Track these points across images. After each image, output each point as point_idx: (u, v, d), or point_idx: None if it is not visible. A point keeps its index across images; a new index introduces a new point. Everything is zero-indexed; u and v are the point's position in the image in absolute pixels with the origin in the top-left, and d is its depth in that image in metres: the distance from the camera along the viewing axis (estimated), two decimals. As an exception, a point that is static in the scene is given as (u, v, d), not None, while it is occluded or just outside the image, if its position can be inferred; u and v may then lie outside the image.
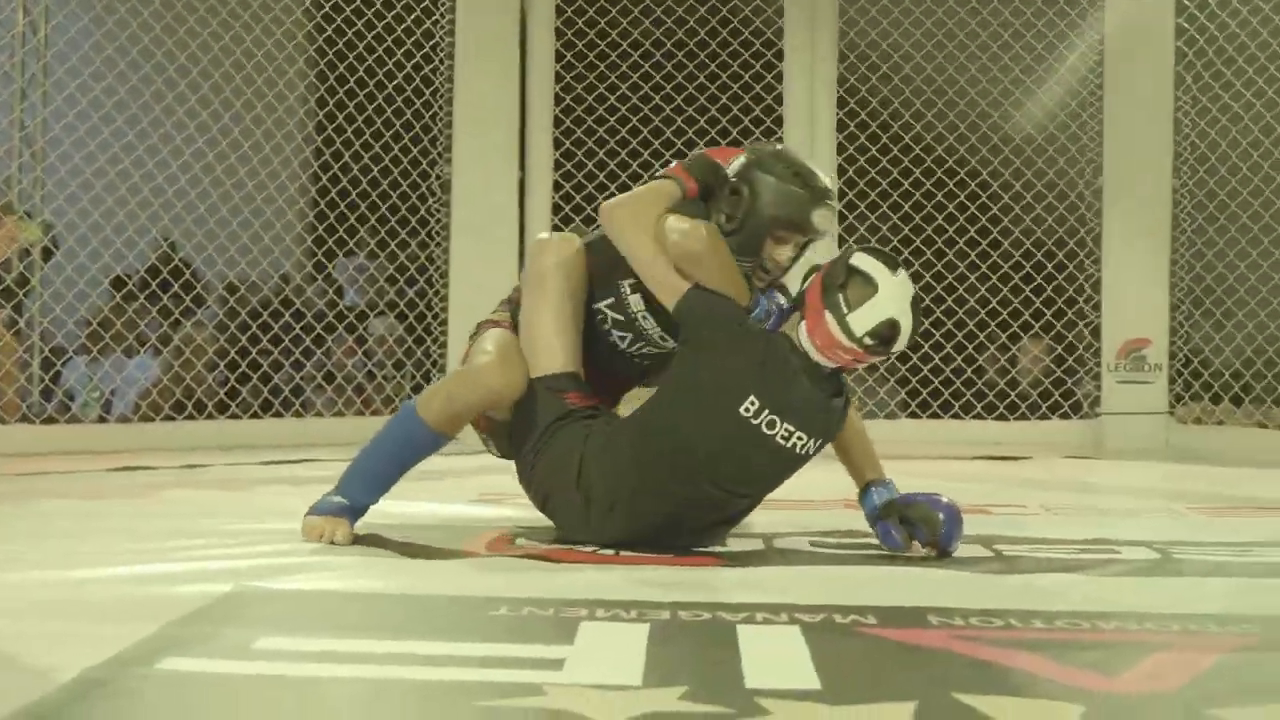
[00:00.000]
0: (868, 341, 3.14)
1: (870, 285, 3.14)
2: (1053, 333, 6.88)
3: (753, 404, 3.16)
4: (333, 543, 3.30)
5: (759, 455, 3.19)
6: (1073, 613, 2.62)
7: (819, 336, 3.16)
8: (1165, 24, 6.62)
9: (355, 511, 3.40)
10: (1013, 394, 6.76)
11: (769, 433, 3.16)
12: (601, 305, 3.53)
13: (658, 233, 3.31)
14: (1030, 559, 3.24)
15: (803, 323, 3.19)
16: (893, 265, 3.18)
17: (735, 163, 3.41)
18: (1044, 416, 6.65)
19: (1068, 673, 2.17)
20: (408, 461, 3.47)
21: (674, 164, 3.53)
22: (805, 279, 3.27)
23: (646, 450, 3.22)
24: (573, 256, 3.49)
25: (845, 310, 3.13)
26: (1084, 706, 1.96)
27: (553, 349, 3.41)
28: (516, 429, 3.46)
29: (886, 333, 3.14)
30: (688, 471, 3.20)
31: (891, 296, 3.14)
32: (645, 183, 3.49)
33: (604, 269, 3.48)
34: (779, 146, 3.48)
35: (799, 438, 3.18)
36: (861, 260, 3.17)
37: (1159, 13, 6.61)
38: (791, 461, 3.23)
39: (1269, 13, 6.45)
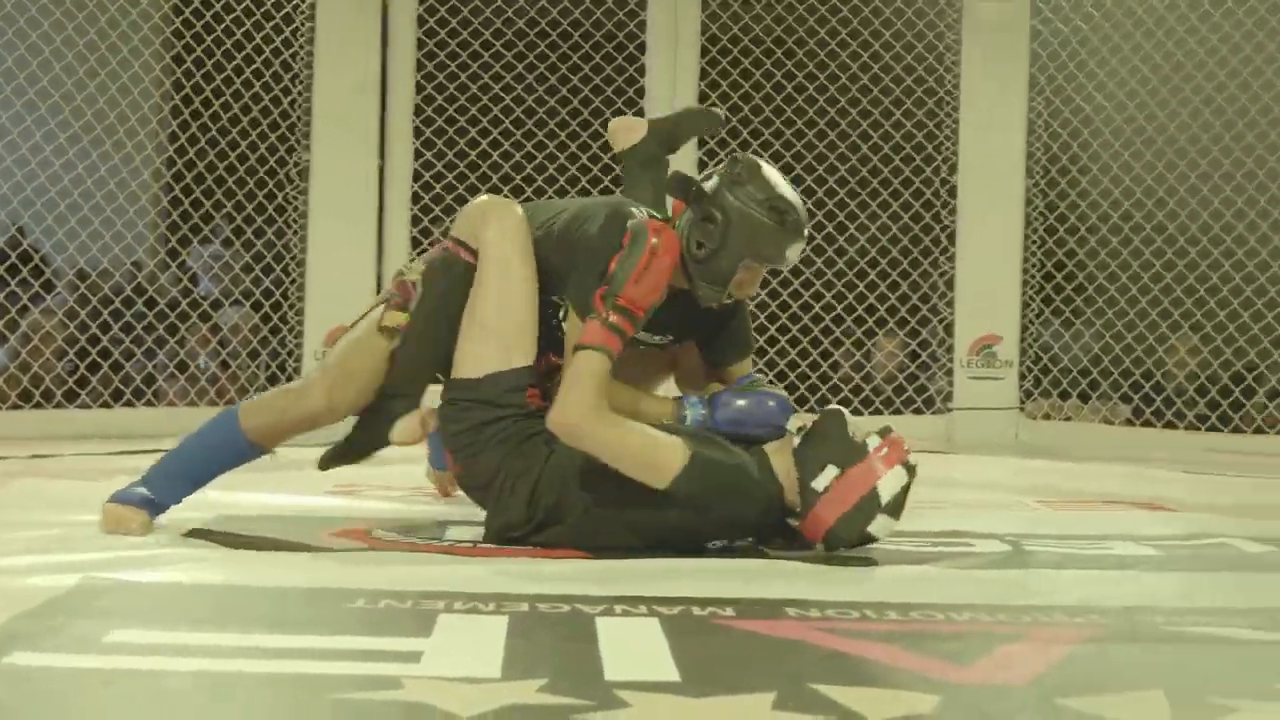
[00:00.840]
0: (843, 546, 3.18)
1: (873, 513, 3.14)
2: (907, 329, 6.97)
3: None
4: (126, 533, 3.22)
5: None
6: (927, 604, 2.66)
7: (827, 509, 3.12)
8: (1020, 26, 6.72)
9: (157, 507, 3.31)
10: (867, 389, 6.84)
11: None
12: (557, 298, 3.41)
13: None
14: (885, 551, 3.27)
15: (839, 471, 3.12)
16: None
17: (714, 179, 3.29)
18: (897, 411, 6.73)
19: (923, 663, 2.20)
20: (220, 468, 3.40)
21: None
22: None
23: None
24: (517, 225, 3.37)
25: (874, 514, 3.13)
26: (939, 696, 1.99)
27: (509, 342, 3.29)
28: (474, 419, 3.30)
29: (860, 542, 3.18)
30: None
31: (885, 529, 3.17)
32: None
33: (559, 267, 3.36)
34: (757, 164, 3.31)
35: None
36: (895, 483, 3.14)
37: (1015, 15, 6.71)
38: None
39: (1120, 17, 6.58)
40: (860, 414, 6.66)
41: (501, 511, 3.25)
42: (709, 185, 3.28)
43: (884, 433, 3.15)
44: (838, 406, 3.24)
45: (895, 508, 3.12)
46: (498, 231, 3.34)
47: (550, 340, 3.38)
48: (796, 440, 3.18)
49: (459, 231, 3.42)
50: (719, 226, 3.23)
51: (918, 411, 6.75)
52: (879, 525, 3.12)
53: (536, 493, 3.20)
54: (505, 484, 3.22)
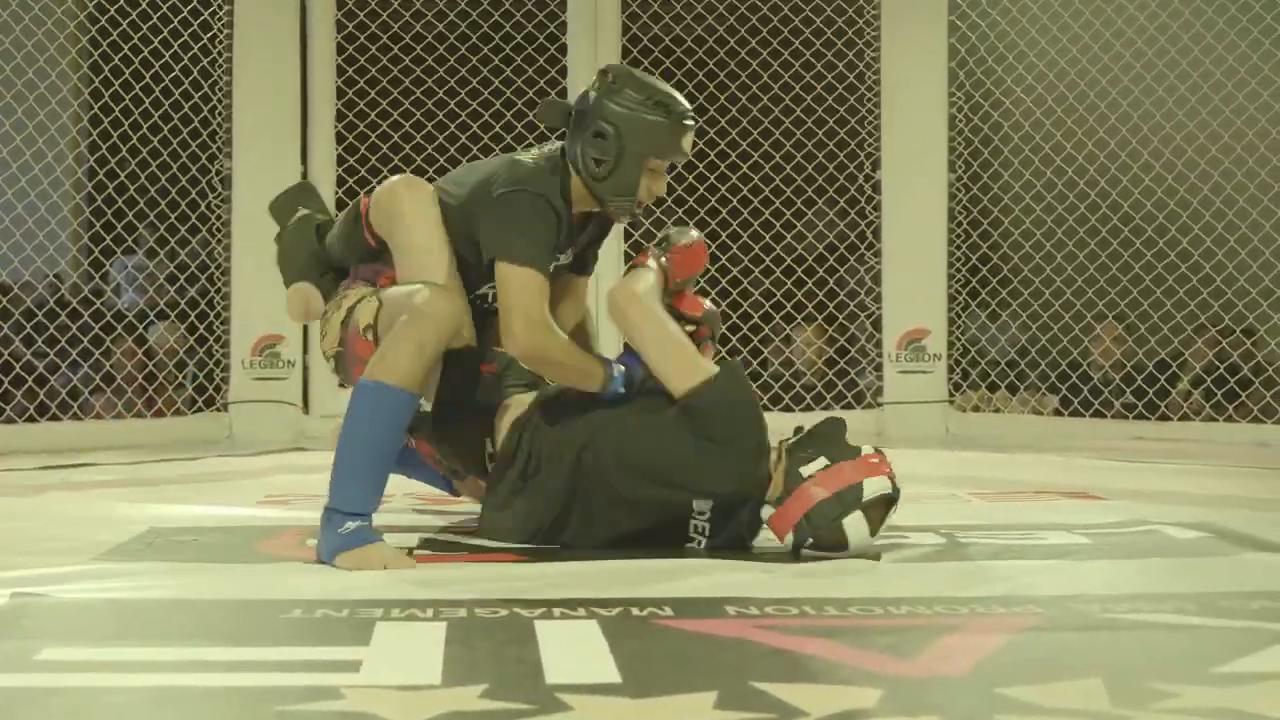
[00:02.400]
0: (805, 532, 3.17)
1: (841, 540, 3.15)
2: (835, 324, 7.00)
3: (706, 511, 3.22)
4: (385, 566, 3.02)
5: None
6: (865, 599, 2.67)
7: (773, 521, 3.15)
8: (939, 20, 6.76)
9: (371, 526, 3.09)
10: (798, 385, 6.86)
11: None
12: (484, 289, 3.39)
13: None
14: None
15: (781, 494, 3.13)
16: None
17: (590, 95, 3.29)
18: (827, 407, 6.75)
19: (863, 657, 2.20)
20: (397, 444, 3.18)
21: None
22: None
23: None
24: (430, 200, 3.37)
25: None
26: (881, 690, 1.99)
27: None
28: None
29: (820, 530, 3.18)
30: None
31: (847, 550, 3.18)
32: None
33: (476, 257, 3.33)
34: (628, 69, 3.34)
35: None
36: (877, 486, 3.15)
37: (932, 9, 6.76)
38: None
39: (1036, 11, 6.64)
40: (791, 410, 6.67)
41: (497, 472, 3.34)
42: (587, 102, 3.30)
43: (877, 451, 3.19)
44: (839, 416, 3.25)
45: (872, 516, 3.09)
46: (412, 205, 3.36)
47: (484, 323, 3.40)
48: (790, 440, 3.17)
49: (376, 221, 3.45)
50: (611, 138, 3.25)
51: (848, 406, 6.77)
52: (853, 524, 3.08)
53: (524, 438, 3.25)
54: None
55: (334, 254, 3.59)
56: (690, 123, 3.30)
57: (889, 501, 3.13)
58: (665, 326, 3.23)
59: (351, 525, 3.03)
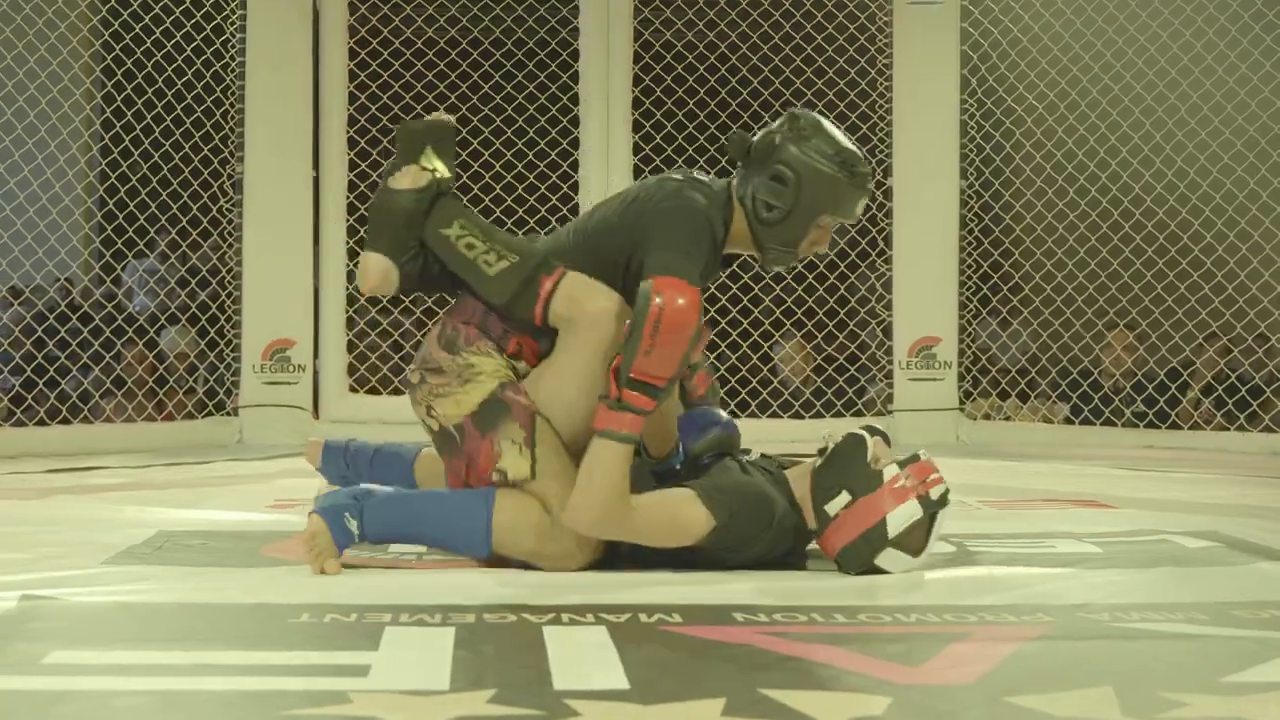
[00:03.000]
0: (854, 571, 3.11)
1: (921, 546, 3.09)
2: (846, 331, 6.99)
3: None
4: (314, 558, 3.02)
5: None
6: (874, 606, 2.66)
7: (837, 535, 3.06)
8: (950, 28, 6.76)
9: (352, 538, 3.06)
10: (807, 393, 6.86)
11: None
12: None
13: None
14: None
15: (851, 500, 3.05)
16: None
17: (776, 138, 3.16)
18: (838, 414, 6.74)
19: (872, 665, 2.20)
20: (439, 544, 3.17)
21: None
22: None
23: None
24: (623, 318, 3.08)
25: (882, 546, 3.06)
26: (890, 698, 1.99)
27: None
28: None
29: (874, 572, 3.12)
30: None
31: (912, 565, 3.11)
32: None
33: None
34: (819, 118, 3.21)
35: None
36: (938, 520, 3.09)
37: (945, 17, 6.75)
38: None
39: (1049, 18, 6.63)
40: (801, 418, 6.67)
41: None
42: (771, 143, 3.17)
43: (909, 461, 3.08)
44: (861, 432, 3.12)
45: (909, 544, 3.03)
46: (600, 331, 3.10)
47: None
48: (818, 462, 3.12)
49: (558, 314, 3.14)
50: (790, 186, 3.13)
51: (858, 414, 6.77)
52: (889, 559, 3.03)
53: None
54: None
55: (460, 274, 3.22)
56: (869, 185, 3.21)
57: (930, 518, 3.05)
58: (643, 519, 3.01)
59: (354, 528, 3.04)
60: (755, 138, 3.21)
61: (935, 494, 3.05)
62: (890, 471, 3.05)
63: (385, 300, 6.51)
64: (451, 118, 3.43)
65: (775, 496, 3.09)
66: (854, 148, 3.19)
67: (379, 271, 3.25)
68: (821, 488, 3.07)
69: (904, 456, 3.11)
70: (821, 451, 3.12)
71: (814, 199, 3.14)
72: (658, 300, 2.89)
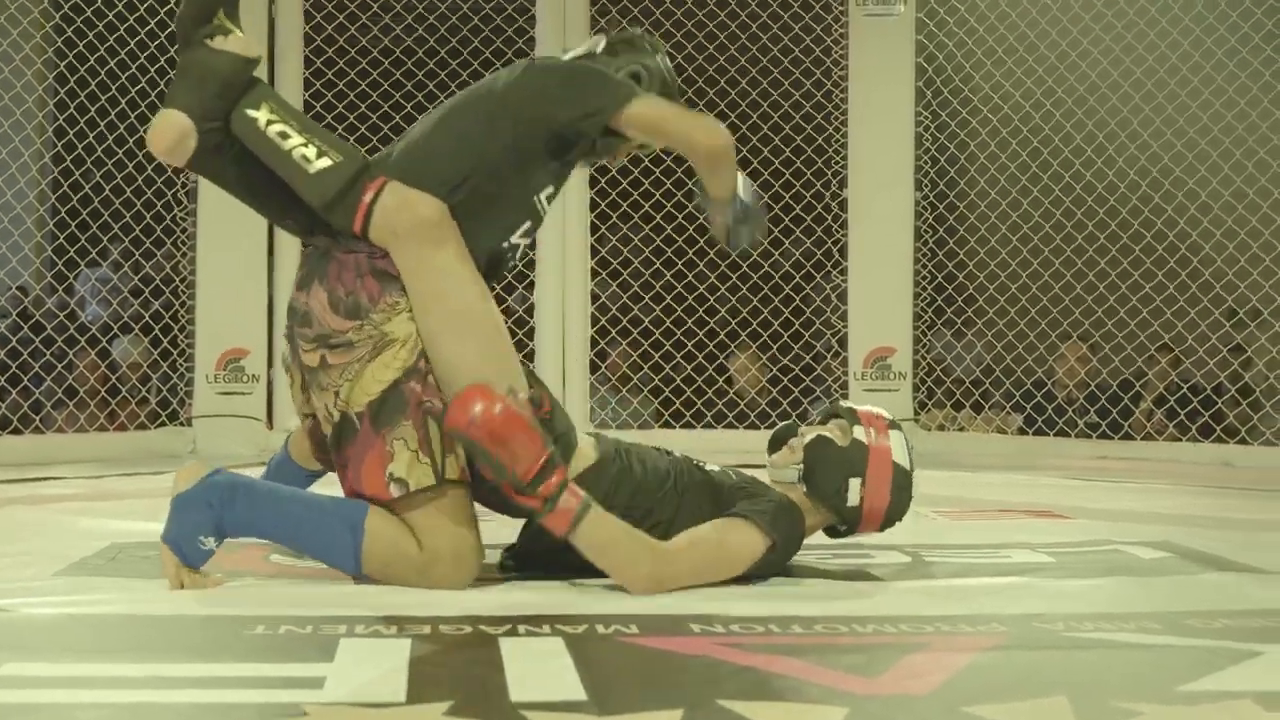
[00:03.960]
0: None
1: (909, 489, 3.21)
2: (801, 342, 7.00)
3: None
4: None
5: None
6: (831, 617, 2.67)
7: (873, 506, 3.13)
8: (905, 40, 6.79)
9: (209, 555, 2.95)
10: (763, 404, 6.86)
11: None
12: (514, 239, 3.09)
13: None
14: (787, 565, 3.27)
15: (860, 479, 3.11)
16: None
17: (643, 38, 3.27)
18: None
19: (829, 675, 2.20)
20: (303, 549, 3.07)
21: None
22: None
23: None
24: (448, 225, 2.96)
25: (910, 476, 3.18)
26: (847, 708, 2.00)
27: (498, 374, 2.90)
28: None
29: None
30: None
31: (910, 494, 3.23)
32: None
33: (503, 205, 3.04)
34: (660, 43, 3.32)
35: None
36: (902, 453, 3.18)
37: (900, 28, 6.78)
38: None
39: (1003, 30, 6.67)
40: (756, 429, 6.66)
41: None
42: (637, 37, 3.29)
43: (849, 415, 3.17)
44: (817, 430, 3.16)
45: (911, 463, 3.17)
46: (431, 233, 2.94)
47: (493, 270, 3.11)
48: (802, 487, 3.13)
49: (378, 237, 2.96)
50: (644, 85, 3.15)
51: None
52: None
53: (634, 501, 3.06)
54: None
55: (272, 166, 2.98)
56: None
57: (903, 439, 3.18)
58: (685, 566, 2.96)
59: (212, 543, 2.93)
60: (617, 34, 3.30)
61: (888, 417, 3.19)
62: (859, 432, 3.13)
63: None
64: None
65: (795, 503, 3.12)
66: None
67: (177, 132, 2.94)
68: (828, 496, 3.11)
69: (839, 411, 3.20)
70: (798, 473, 3.13)
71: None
72: (476, 409, 2.76)
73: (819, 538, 3.24)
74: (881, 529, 3.19)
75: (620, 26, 3.30)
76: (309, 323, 2.99)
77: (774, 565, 3.07)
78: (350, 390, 2.92)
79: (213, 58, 2.98)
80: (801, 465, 3.12)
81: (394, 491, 2.89)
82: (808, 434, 3.16)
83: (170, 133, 2.95)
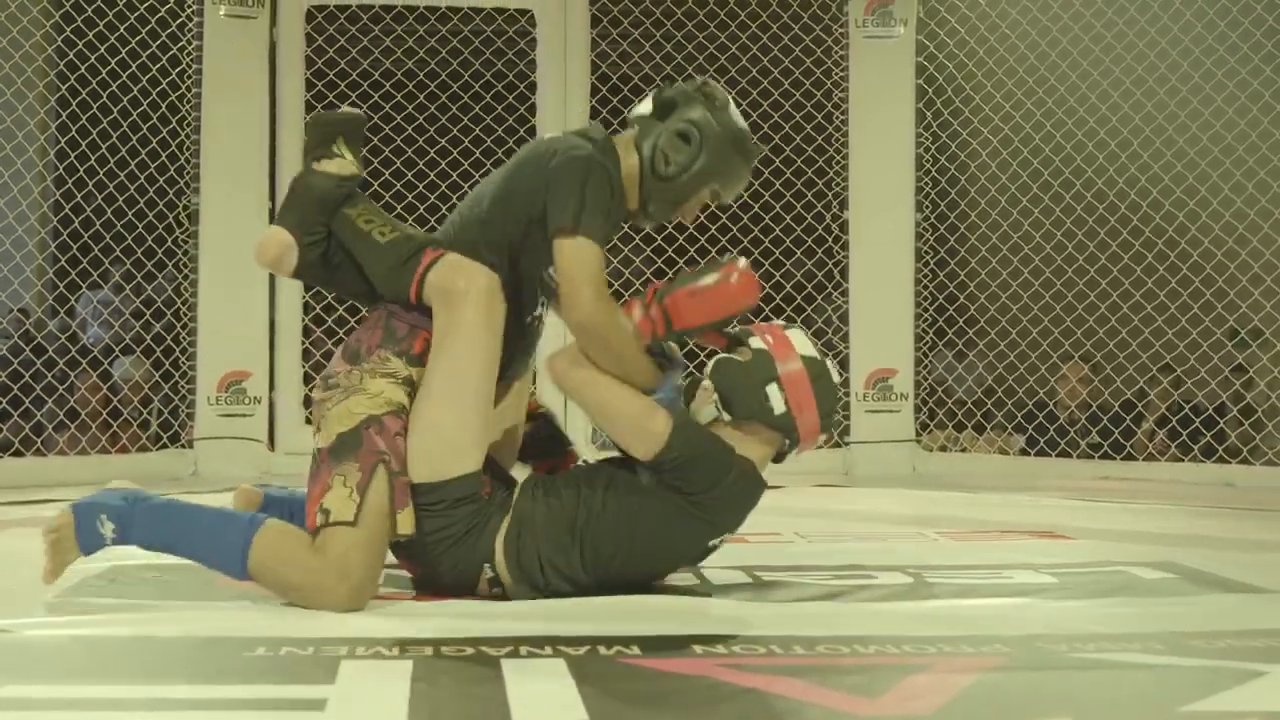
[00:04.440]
0: (837, 408, 3.22)
1: (827, 375, 3.17)
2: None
3: (721, 541, 3.16)
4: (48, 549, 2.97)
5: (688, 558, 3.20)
6: (832, 638, 2.66)
7: (802, 406, 3.12)
8: (906, 62, 6.79)
9: (102, 542, 3.03)
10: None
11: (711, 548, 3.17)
12: (537, 310, 3.26)
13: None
14: (789, 586, 3.28)
15: (776, 383, 3.11)
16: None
17: (688, 96, 3.22)
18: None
19: (831, 696, 2.20)
20: (195, 558, 3.08)
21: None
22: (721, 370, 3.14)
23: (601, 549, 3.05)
24: (496, 299, 3.09)
25: (824, 363, 3.17)
26: (849, 730, 1.99)
27: (467, 447, 3.02)
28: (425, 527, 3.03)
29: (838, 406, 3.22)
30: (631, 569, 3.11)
31: (832, 381, 3.19)
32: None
33: (531, 277, 3.18)
34: (726, 94, 3.27)
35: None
36: (806, 346, 3.18)
37: (900, 50, 6.79)
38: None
39: (1003, 53, 6.68)
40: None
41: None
42: (684, 96, 3.22)
43: (742, 334, 3.17)
44: (716, 356, 3.18)
45: (822, 352, 3.18)
46: (480, 312, 3.04)
47: (522, 341, 3.24)
48: (726, 417, 3.12)
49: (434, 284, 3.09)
50: (693, 145, 3.17)
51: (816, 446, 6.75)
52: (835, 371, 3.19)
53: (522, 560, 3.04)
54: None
55: (351, 247, 3.19)
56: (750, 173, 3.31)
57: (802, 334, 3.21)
58: (604, 392, 3.08)
59: (109, 532, 2.98)
60: (665, 92, 3.25)
61: (779, 322, 3.25)
62: (755, 342, 3.15)
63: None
64: (361, 111, 3.40)
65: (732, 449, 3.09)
66: (747, 128, 3.27)
67: (278, 246, 3.20)
68: (753, 412, 3.11)
69: (731, 337, 3.20)
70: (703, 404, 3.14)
71: (710, 165, 3.19)
72: (742, 263, 3.10)
73: (815, 557, 3.24)
74: (824, 429, 3.17)
75: (685, 76, 3.28)
76: (329, 366, 3.18)
77: (692, 471, 3.03)
78: (324, 424, 3.05)
79: (314, 178, 3.23)
80: (716, 394, 3.12)
81: (318, 520, 2.97)
82: (709, 365, 3.16)
83: (274, 248, 3.21)
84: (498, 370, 3.09)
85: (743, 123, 3.25)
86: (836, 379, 3.18)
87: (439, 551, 3.02)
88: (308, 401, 6.49)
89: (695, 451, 3.04)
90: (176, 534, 3.03)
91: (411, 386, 3.07)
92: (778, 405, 3.10)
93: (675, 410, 3.07)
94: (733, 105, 3.25)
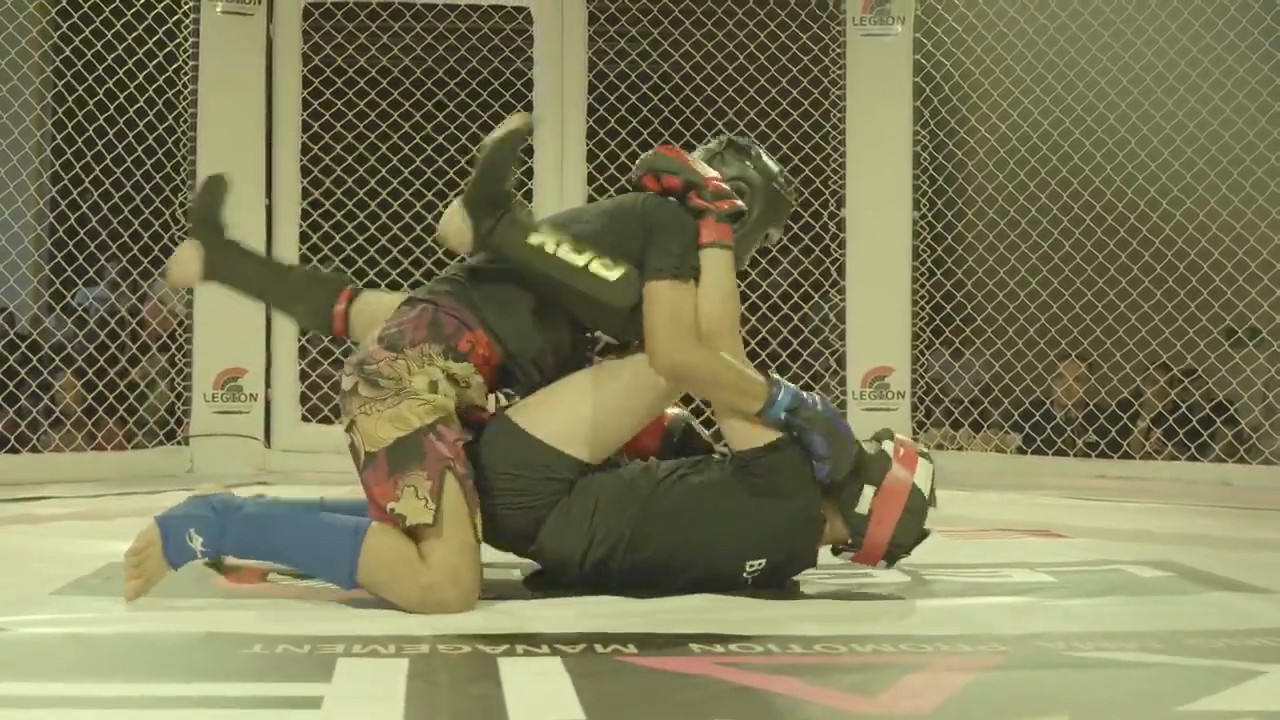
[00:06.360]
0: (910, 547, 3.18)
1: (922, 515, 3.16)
2: (799, 361, 7.00)
3: (756, 569, 3.14)
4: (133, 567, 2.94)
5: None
6: (830, 636, 2.66)
7: (881, 523, 3.11)
8: (903, 60, 6.79)
9: (191, 555, 2.99)
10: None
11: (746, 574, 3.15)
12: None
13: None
14: (786, 585, 3.27)
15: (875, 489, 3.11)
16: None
17: (724, 161, 3.28)
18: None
19: (828, 695, 2.19)
20: (301, 568, 3.10)
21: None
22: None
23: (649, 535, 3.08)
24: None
25: (926, 504, 3.17)
26: (846, 729, 1.99)
27: (592, 440, 3.08)
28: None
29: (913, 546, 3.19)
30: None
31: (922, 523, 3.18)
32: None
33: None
34: (749, 140, 3.39)
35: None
36: (925, 480, 3.17)
37: (898, 48, 6.79)
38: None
39: (1000, 51, 6.67)
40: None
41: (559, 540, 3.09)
42: (724, 164, 3.29)
43: (887, 434, 3.21)
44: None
45: (933, 497, 3.17)
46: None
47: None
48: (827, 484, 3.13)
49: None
50: (748, 199, 3.25)
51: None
52: (929, 519, 3.17)
53: (594, 521, 3.07)
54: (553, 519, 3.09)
55: (563, 281, 3.12)
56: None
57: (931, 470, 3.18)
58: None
59: (199, 546, 2.96)
60: (701, 159, 3.29)
61: (921, 449, 3.19)
62: (889, 445, 3.16)
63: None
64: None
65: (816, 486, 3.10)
66: (781, 171, 3.37)
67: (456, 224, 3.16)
68: (843, 496, 3.11)
69: (878, 435, 3.23)
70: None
71: (765, 213, 3.30)
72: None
73: (820, 558, 3.23)
74: (887, 557, 3.15)
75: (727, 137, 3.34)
76: (360, 350, 3.12)
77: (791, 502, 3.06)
78: (367, 424, 3.01)
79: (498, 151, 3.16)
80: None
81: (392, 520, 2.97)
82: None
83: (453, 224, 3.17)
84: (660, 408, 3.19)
85: (775, 164, 3.36)
86: (926, 526, 3.18)
87: (504, 509, 3.05)
88: (304, 399, 6.51)
89: (792, 461, 3.06)
90: (275, 545, 3.02)
91: (455, 383, 3.07)
92: (863, 506, 3.11)
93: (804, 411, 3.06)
94: (763, 150, 3.37)
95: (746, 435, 3.06)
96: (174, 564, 2.96)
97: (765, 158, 3.35)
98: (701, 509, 3.07)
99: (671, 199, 3.16)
